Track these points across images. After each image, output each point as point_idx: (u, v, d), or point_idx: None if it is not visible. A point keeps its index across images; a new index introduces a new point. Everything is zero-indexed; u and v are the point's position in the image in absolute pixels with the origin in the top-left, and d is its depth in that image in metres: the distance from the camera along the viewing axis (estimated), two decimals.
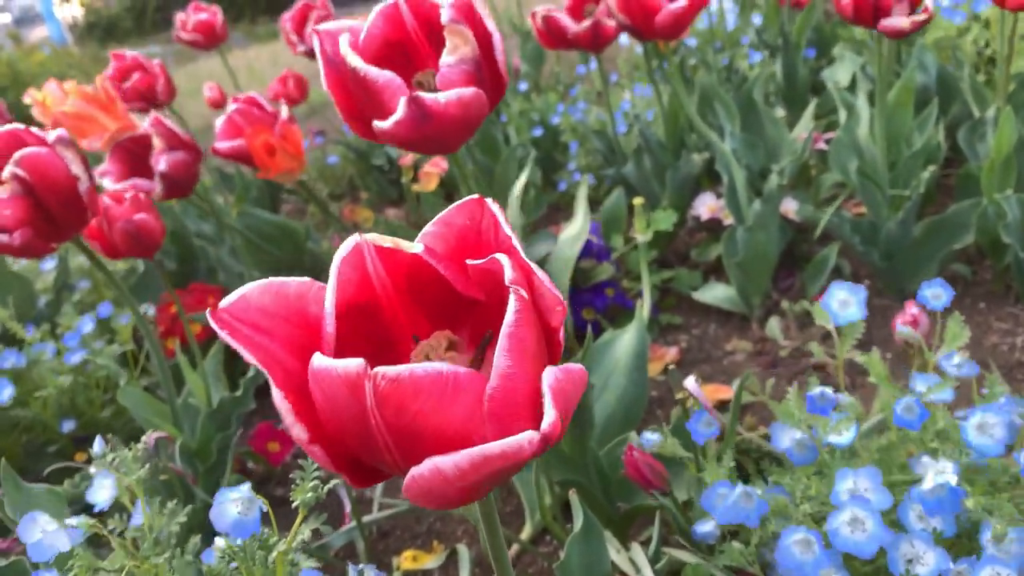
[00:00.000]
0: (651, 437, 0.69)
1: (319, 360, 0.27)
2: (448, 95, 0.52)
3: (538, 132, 1.61)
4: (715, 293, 1.16)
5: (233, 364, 1.23)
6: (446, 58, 0.53)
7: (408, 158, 0.96)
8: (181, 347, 1.08)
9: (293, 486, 0.47)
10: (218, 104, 1.89)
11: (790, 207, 1.16)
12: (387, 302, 0.32)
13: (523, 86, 1.97)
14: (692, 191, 1.30)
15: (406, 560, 0.85)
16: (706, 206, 1.24)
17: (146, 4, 8.12)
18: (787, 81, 1.49)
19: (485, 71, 0.55)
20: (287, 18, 1.67)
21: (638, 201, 1.01)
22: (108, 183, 0.97)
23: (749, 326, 1.12)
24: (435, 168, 0.81)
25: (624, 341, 0.84)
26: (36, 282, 1.26)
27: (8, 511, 0.62)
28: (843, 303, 0.65)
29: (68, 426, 0.96)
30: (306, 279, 0.31)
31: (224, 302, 0.29)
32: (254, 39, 5.77)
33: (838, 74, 1.54)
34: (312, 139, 2.02)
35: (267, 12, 7.09)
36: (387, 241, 0.31)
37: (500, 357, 0.26)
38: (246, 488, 0.48)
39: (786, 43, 1.45)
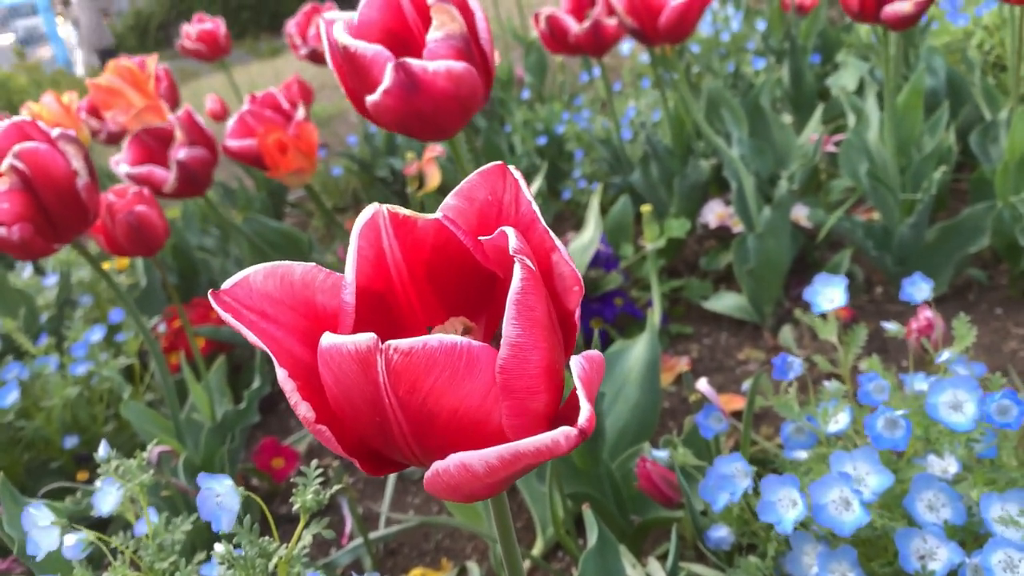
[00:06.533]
0: (662, 454, 0.67)
1: (329, 338, 0.25)
2: (436, 64, 0.51)
3: (542, 141, 1.60)
4: (726, 302, 1.14)
5: (237, 377, 1.21)
6: (433, 34, 0.52)
7: (413, 167, 0.95)
8: (186, 361, 1.06)
9: (294, 490, 0.46)
10: (219, 116, 1.89)
11: (801, 213, 1.14)
12: (401, 289, 0.31)
13: (526, 94, 1.96)
14: (700, 198, 1.29)
15: None
16: (715, 213, 1.23)
17: (148, 23, 8.17)
18: (794, 86, 1.48)
19: (475, 51, 0.54)
20: (292, 23, 1.68)
21: (647, 208, 0.99)
22: (124, 168, 0.96)
23: (761, 335, 1.10)
24: (432, 152, 0.80)
25: (635, 351, 0.83)
26: (37, 298, 1.24)
27: (7, 528, 0.60)
28: (830, 300, 0.66)
29: (71, 442, 0.94)
30: (311, 264, 0.30)
31: (227, 284, 0.28)
32: (257, 56, 5.80)
33: (843, 80, 1.52)
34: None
35: (269, 29, 7.14)
36: (406, 211, 0.30)
37: (508, 326, 0.25)
38: (228, 482, 0.47)
39: (793, 47, 1.44)
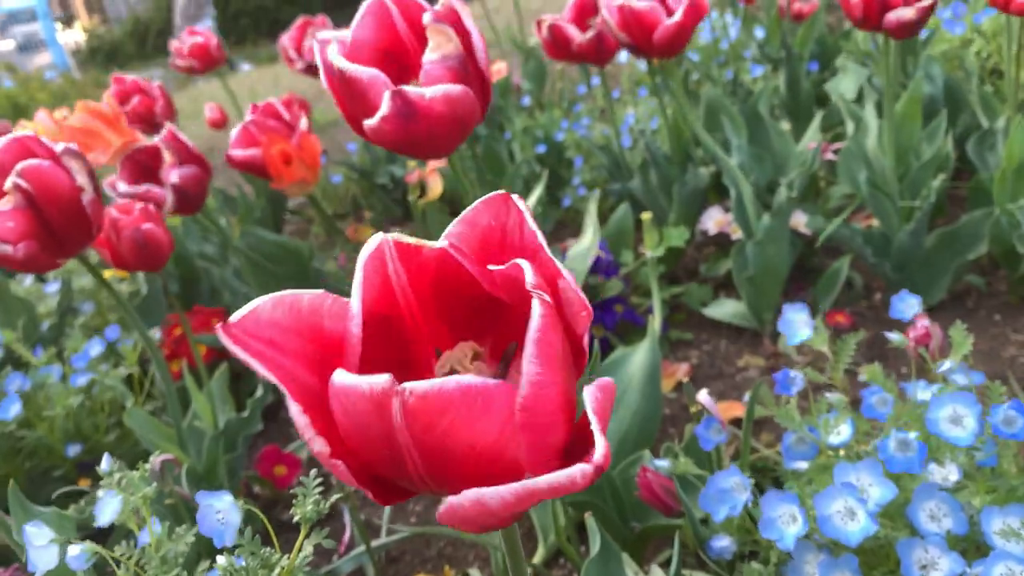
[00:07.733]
0: (662, 463, 0.68)
1: (342, 376, 0.25)
2: (433, 90, 0.51)
3: (542, 149, 1.61)
4: (725, 309, 1.14)
5: (239, 385, 1.21)
6: (429, 55, 0.51)
7: (414, 174, 0.95)
8: (188, 369, 1.06)
9: (294, 502, 0.46)
10: (219, 124, 1.89)
11: (800, 220, 1.15)
12: (408, 312, 0.31)
13: (526, 101, 1.96)
14: (700, 205, 1.29)
15: None
16: (714, 220, 1.23)
17: (147, 29, 8.19)
18: (790, 94, 1.49)
19: (472, 71, 0.54)
20: (286, 36, 1.68)
21: (647, 216, 1.00)
22: (123, 187, 0.95)
23: (761, 341, 1.10)
24: (435, 163, 0.80)
25: (636, 358, 0.83)
26: (39, 305, 1.25)
27: (16, 535, 0.61)
28: (804, 324, 0.67)
29: (73, 450, 0.95)
30: (320, 291, 0.30)
31: (235, 317, 0.28)
32: (255, 62, 5.80)
33: (842, 86, 1.53)
34: None
35: (268, 36, 7.15)
36: (411, 240, 0.30)
37: (528, 364, 0.25)
38: (228, 498, 0.47)
39: (789, 55, 1.44)
